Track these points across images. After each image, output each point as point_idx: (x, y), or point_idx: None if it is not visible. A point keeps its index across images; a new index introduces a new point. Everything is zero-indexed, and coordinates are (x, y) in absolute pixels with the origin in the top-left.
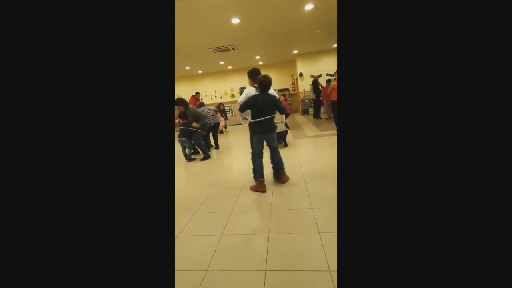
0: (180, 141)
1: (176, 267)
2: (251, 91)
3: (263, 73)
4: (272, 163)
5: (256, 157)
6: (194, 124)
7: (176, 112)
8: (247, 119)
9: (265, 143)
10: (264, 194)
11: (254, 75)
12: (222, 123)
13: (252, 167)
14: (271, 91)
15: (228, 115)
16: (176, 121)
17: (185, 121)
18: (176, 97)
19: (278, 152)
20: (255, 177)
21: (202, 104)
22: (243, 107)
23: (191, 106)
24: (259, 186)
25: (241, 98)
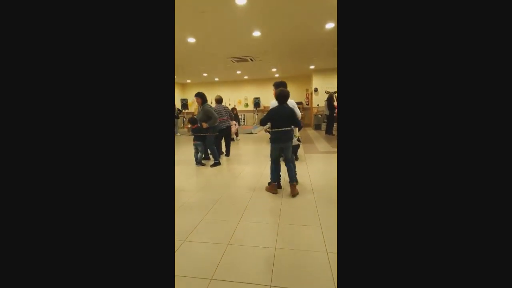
0: (194, 144)
1: (181, 273)
2: (276, 102)
3: None
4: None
5: (272, 163)
6: (204, 125)
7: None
8: (269, 129)
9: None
10: (273, 206)
11: (279, 87)
12: (234, 127)
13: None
14: (292, 103)
15: (241, 123)
16: (189, 125)
17: (194, 126)
18: (189, 101)
19: (292, 164)
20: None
21: (220, 101)
22: (263, 121)
23: (208, 104)
24: (270, 188)
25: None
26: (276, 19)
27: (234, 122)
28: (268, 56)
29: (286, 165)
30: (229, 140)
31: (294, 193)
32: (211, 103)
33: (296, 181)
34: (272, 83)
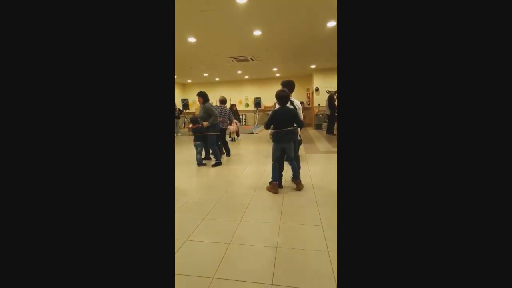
0: (194, 145)
1: (182, 272)
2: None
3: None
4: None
5: (273, 162)
6: (205, 124)
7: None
8: (272, 131)
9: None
10: (274, 206)
11: (286, 86)
12: (234, 126)
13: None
14: (298, 104)
15: (242, 122)
16: (190, 125)
17: (195, 126)
18: (190, 101)
19: (294, 162)
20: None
21: (224, 101)
22: (267, 124)
23: (209, 103)
24: (271, 187)
25: None
26: (277, 18)
27: (235, 120)
28: (269, 55)
29: (289, 163)
30: (224, 141)
31: (299, 188)
32: (212, 102)
33: (299, 179)
34: (273, 82)
